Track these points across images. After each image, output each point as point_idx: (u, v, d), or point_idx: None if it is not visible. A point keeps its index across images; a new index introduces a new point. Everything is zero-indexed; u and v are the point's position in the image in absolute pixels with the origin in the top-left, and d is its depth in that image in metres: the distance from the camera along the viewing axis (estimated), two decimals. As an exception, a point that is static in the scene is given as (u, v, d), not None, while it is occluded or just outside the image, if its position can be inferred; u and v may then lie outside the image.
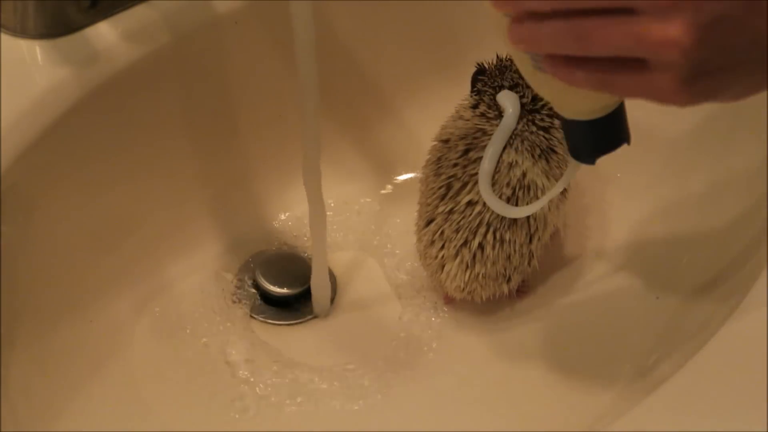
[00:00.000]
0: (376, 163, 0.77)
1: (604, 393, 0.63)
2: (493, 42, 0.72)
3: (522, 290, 0.70)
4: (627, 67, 0.44)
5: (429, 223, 0.67)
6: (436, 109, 0.69)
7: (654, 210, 0.71)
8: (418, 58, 0.76)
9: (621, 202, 0.73)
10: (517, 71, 0.67)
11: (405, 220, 0.70)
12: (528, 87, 0.65)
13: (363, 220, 0.75)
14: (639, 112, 0.72)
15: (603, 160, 0.73)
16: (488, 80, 0.67)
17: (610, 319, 0.67)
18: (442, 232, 0.66)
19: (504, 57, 0.68)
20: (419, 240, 0.68)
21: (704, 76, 0.43)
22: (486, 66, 0.68)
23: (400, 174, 0.76)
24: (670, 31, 0.42)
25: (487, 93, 0.66)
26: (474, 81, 0.68)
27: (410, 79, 0.76)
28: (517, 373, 0.67)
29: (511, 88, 0.66)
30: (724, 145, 0.69)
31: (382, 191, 0.77)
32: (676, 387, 0.52)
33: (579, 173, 0.71)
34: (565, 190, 0.66)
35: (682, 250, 0.68)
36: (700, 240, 0.67)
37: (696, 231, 0.68)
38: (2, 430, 0.54)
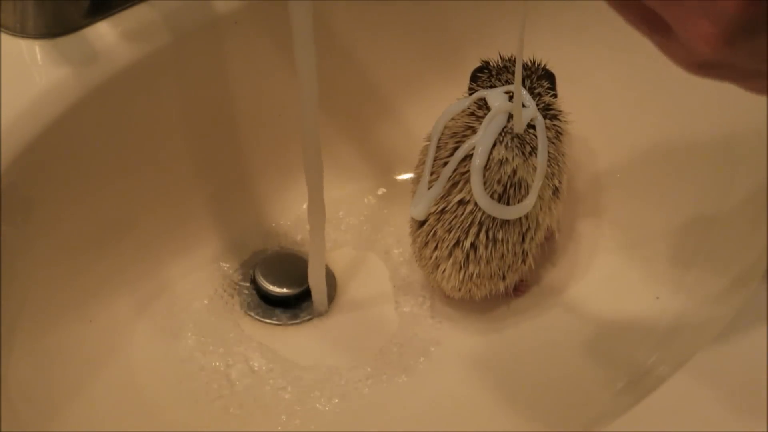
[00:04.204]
0: (375, 162, 0.77)
1: (603, 393, 0.63)
2: (493, 42, 0.73)
3: (520, 289, 0.70)
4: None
5: (422, 224, 0.67)
6: (436, 108, 0.69)
7: (653, 210, 0.71)
8: (418, 58, 0.76)
9: (620, 202, 0.73)
10: (513, 72, 0.67)
11: (404, 220, 0.70)
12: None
13: (362, 220, 0.75)
14: (638, 115, 0.73)
15: (603, 160, 0.73)
16: (485, 79, 0.68)
17: (609, 319, 0.67)
18: (435, 233, 0.66)
19: (506, 57, 0.69)
20: (414, 242, 0.68)
21: (719, 67, 0.44)
22: (487, 64, 0.68)
23: (400, 173, 0.76)
24: (704, 29, 0.42)
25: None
26: (473, 78, 0.69)
27: (410, 79, 0.76)
28: (517, 373, 0.67)
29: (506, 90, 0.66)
30: (724, 145, 0.69)
31: (382, 191, 0.77)
32: (676, 387, 0.52)
33: (577, 176, 0.72)
34: (557, 191, 0.66)
35: (682, 250, 0.68)
36: (700, 239, 0.67)
37: (695, 230, 0.68)
38: (2, 430, 0.54)
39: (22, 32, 0.65)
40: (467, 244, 0.65)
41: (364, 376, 0.67)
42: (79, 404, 0.62)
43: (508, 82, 0.67)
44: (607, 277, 0.70)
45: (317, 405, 0.65)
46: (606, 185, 0.73)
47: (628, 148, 0.73)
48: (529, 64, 0.69)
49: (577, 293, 0.70)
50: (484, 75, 0.69)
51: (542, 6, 0.74)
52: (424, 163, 0.67)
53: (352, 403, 0.65)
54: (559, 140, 0.67)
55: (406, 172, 0.75)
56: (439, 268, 0.66)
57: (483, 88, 0.68)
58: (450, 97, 0.69)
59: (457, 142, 0.65)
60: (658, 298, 0.66)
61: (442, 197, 0.65)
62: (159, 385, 0.66)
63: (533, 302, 0.70)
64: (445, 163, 0.65)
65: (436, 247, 0.66)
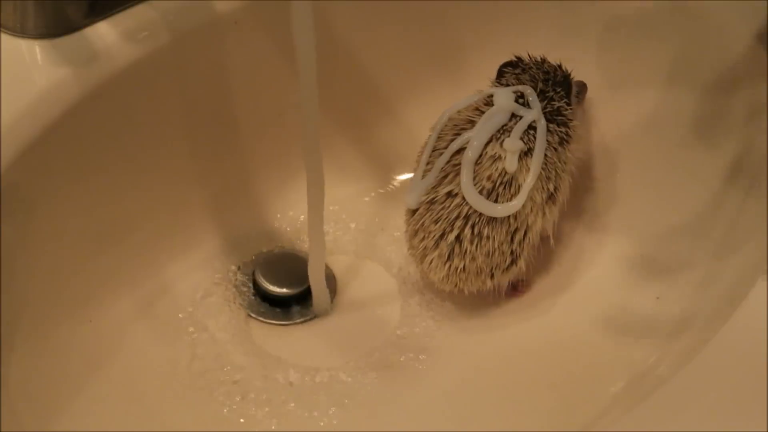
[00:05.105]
0: (376, 163, 0.77)
1: (604, 393, 0.63)
2: (493, 42, 0.73)
3: (520, 290, 0.70)
4: None
5: (414, 212, 0.67)
6: (436, 108, 0.69)
7: (654, 210, 0.71)
8: (418, 58, 0.76)
9: (620, 202, 0.73)
10: (533, 77, 0.67)
11: (404, 220, 0.70)
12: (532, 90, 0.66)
13: (363, 220, 0.75)
14: (640, 115, 0.73)
15: (603, 160, 0.73)
16: (509, 75, 0.68)
17: (610, 319, 0.67)
18: (423, 223, 0.66)
19: (536, 57, 0.68)
20: (406, 230, 0.68)
21: None
22: (518, 60, 0.68)
23: (400, 174, 0.77)
24: None
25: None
26: (499, 74, 0.69)
27: (410, 79, 0.76)
28: (517, 374, 0.67)
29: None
30: (725, 147, 0.69)
31: (382, 191, 0.77)
32: (676, 387, 0.52)
33: (578, 175, 0.72)
34: (553, 196, 0.66)
35: (682, 250, 0.68)
36: (701, 240, 0.67)
37: (696, 231, 0.68)
38: (2, 430, 0.54)
39: (22, 32, 0.65)
40: (452, 237, 0.65)
41: (364, 375, 0.67)
42: (79, 404, 0.62)
43: (526, 81, 0.67)
44: (608, 276, 0.70)
45: (318, 405, 0.65)
46: (606, 185, 0.73)
47: (629, 149, 0.73)
48: (549, 68, 0.69)
49: (577, 293, 0.70)
50: (509, 71, 0.69)
51: (542, 7, 0.74)
52: (421, 153, 0.67)
53: (352, 402, 0.65)
54: (563, 147, 0.67)
55: (406, 172, 0.75)
56: (426, 259, 0.66)
57: (505, 84, 0.68)
58: (450, 98, 0.69)
59: (455, 134, 0.66)
60: (658, 298, 0.66)
61: (433, 187, 0.65)
62: (159, 385, 0.66)
63: (534, 302, 0.70)
64: (441, 155, 0.65)
65: (424, 237, 0.66)
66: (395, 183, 0.77)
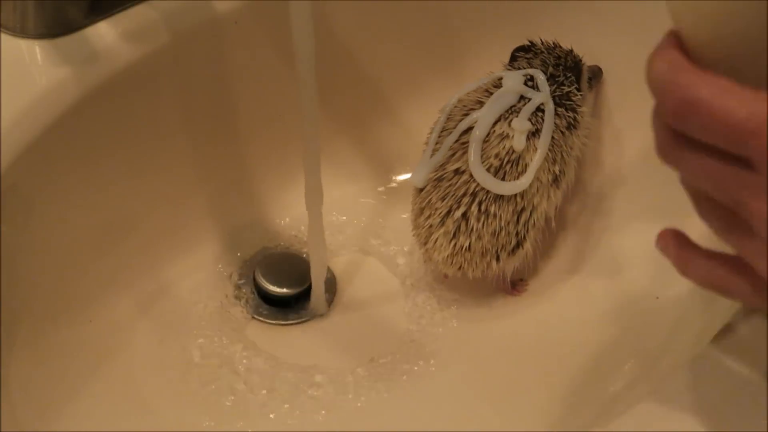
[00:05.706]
0: (375, 163, 0.77)
1: (603, 392, 0.63)
2: (493, 42, 0.73)
3: (518, 289, 0.70)
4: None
5: (420, 191, 0.67)
6: (436, 109, 0.69)
7: (655, 209, 0.71)
8: (418, 58, 0.76)
9: (622, 200, 0.73)
10: (544, 61, 0.67)
11: (404, 220, 0.70)
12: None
13: (363, 220, 0.75)
14: (644, 114, 0.73)
15: (605, 159, 0.73)
16: (521, 59, 0.68)
17: (610, 319, 0.67)
18: (430, 200, 0.66)
19: (550, 42, 0.69)
20: (412, 210, 0.68)
21: None
22: (531, 45, 0.69)
23: (400, 174, 0.77)
24: None
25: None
26: (512, 57, 0.70)
27: (410, 79, 0.76)
28: (517, 372, 0.67)
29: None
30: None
31: (382, 191, 0.77)
32: (677, 387, 0.52)
33: (581, 171, 0.72)
34: (558, 179, 0.66)
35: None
36: (701, 239, 0.67)
37: (697, 230, 0.68)
38: (2, 429, 0.54)
39: (22, 32, 0.65)
40: (458, 213, 0.65)
41: (366, 374, 0.67)
42: (79, 404, 0.62)
43: (536, 65, 0.67)
44: (608, 276, 0.70)
45: (318, 404, 0.65)
46: (609, 184, 0.73)
47: (633, 147, 0.73)
48: (560, 53, 0.69)
49: (578, 293, 0.70)
50: (521, 55, 0.69)
51: (542, 7, 0.74)
52: (430, 133, 0.68)
53: (353, 402, 0.65)
54: (570, 132, 0.67)
55: (405, 172, 0.76)
56: (431, 237, 0.66)
57: (516, 68, 0.68)
58: (449, 97, 0.69)
59: (464, 115, 0.66)
60: (657, 298, 0.66)
61: (441, 165, 0.66)
62: (159, 385, 0.66)
63: (535, 302, 0.70)
64: (450, 134, 0.66)
65: (429, 215, 0.66)
66: (394, 183, 0.77)
